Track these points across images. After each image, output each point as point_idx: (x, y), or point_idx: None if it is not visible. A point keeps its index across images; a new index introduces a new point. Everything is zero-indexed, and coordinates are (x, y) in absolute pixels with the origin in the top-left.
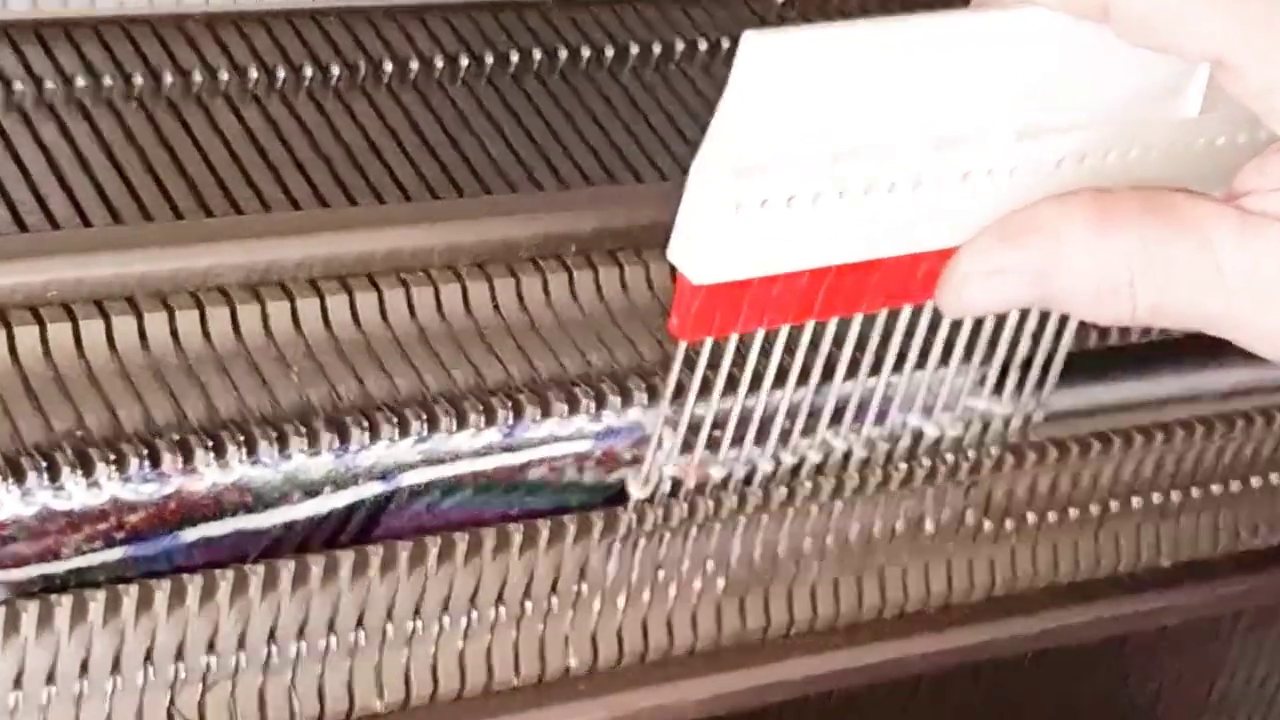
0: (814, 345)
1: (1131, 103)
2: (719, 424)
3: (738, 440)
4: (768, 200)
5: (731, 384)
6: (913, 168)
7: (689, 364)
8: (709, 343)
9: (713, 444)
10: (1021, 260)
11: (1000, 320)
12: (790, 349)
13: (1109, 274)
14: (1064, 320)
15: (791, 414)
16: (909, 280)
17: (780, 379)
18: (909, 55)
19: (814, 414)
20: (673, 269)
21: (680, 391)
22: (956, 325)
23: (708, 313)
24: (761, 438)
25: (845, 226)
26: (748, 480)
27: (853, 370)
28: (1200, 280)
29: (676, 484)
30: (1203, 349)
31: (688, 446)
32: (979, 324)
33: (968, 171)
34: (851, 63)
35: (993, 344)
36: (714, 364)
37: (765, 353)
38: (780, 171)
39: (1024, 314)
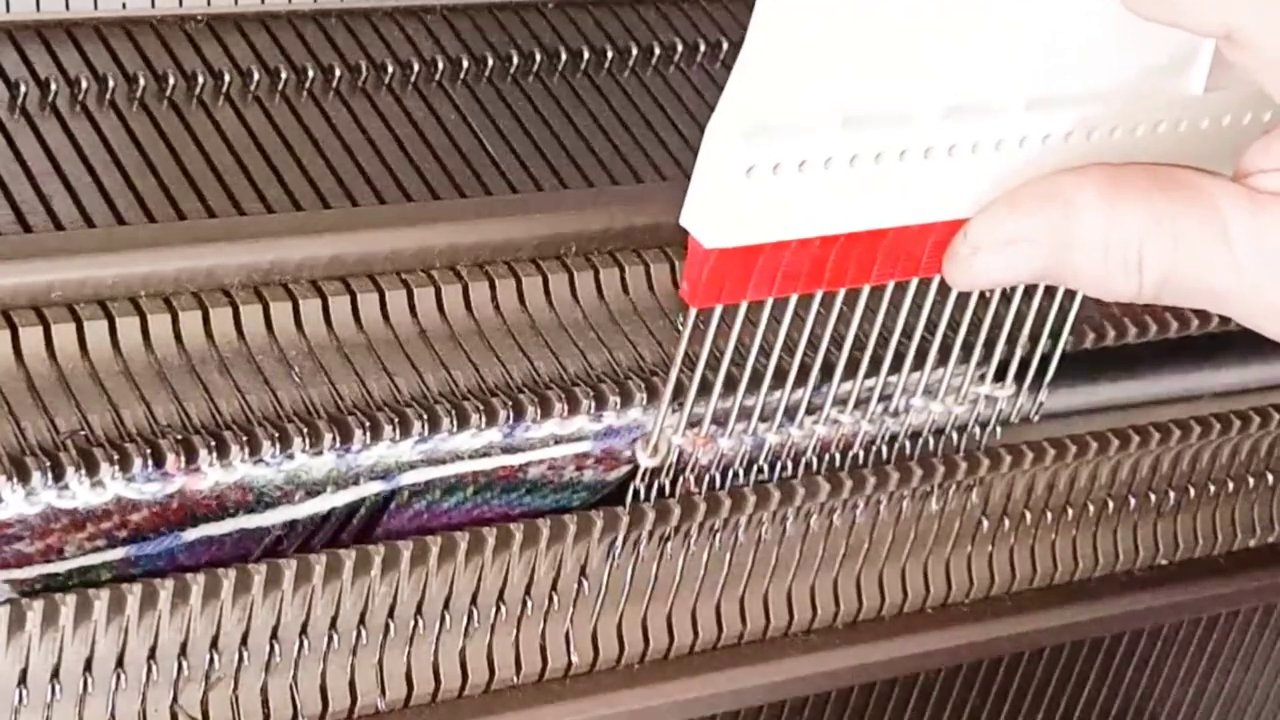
0: (820, 321)
1: (1139, 79)
2: (726, 397)
3: (745, 415)
4: (780, 164)
5: (739, 358)
6: (924, 136)
7: (697, 334)
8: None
9: (720, 419)
10: (1035, 230)
11: (998, 318)
12: (796, 330)
13: (1119, 246)
14: (1062, 319)
15: (798, 386)
16: (917, 251)
17: (788, 353)
18: (923, 24)
19: (819, 390)
20: (676, 250)
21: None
22: (955, 323)
23: (718, 278)
24: (767, 414)
25: (856, 193)
26: (754, 459)
27: (852, 367)
28: (1209, 254)
29: (683, 457)
30: (1200, 349)
31: (695, 421)
32: (977, 322)
33: (977, 141)
34: (866, 29)
35: (990, 343)
36: (720, 338)
37: (772, 329)
38: (792, 136)
39: (1022, 311)
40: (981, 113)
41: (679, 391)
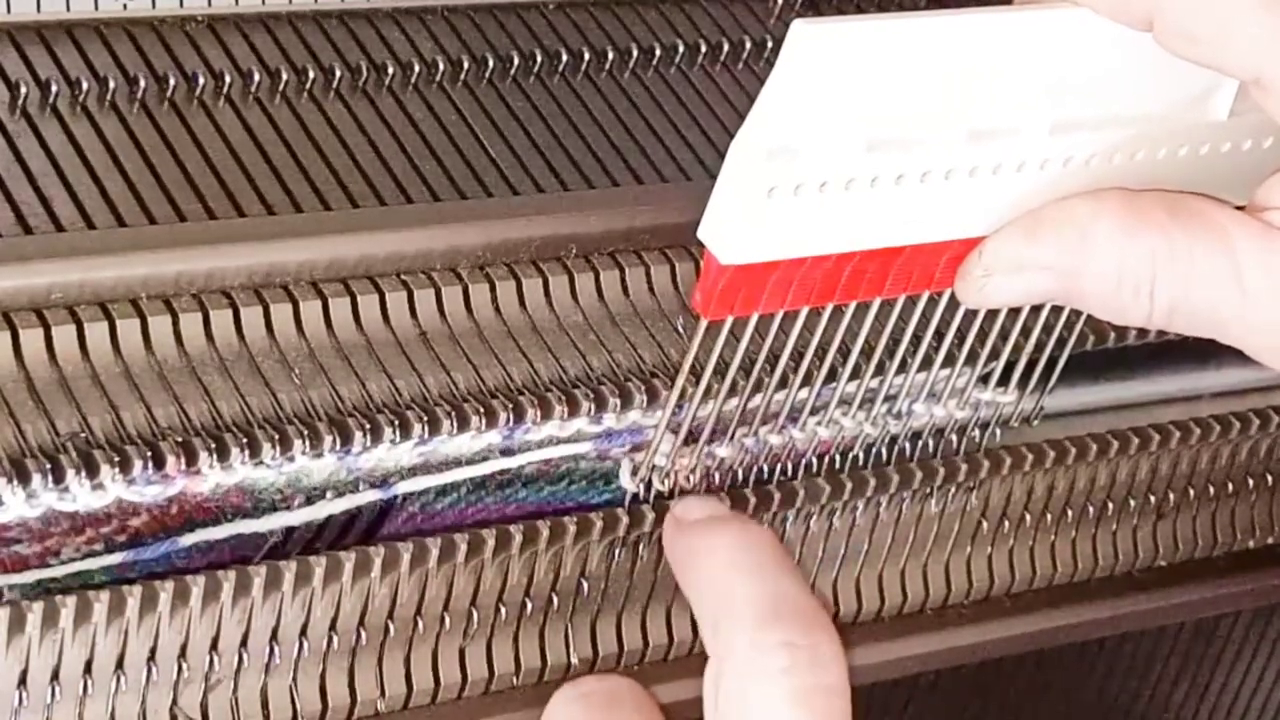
0: (822, 348)
1: (1163, 104)
2: (723, 425)
3: (746, 420)
4: (801, 186)
5: (743, 362)
6: (946, 159)
7: (693, 371)
8: (715, 356)
9: (714, 438)
10: (1049, 255)
11: (1006, 324)
12: (798, 351)
13: (1132, 272)
14: (1066, 324)
15: (802, 389)
16: (932, 267)
17: (791, 356)
18: (950, 50)
19: (821, 392)
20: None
21: (684, 394)
22: (962, 329)
23: (732, 292)
24: (769, 417)
25: (874, 213)
26: (754, 461)
27: (855, 374)
28: (1220, 285)
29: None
30: (1200, 351)
31: (689, 441)
32: (984, 328)
33: (999, 164)
34: (894, 55)
35: (994, 348)
36: (721, 371)
37: (777, 335)
38: (816, 159)
39: (1027, 319)
40: (1005, 136)
41: (681, 397)
